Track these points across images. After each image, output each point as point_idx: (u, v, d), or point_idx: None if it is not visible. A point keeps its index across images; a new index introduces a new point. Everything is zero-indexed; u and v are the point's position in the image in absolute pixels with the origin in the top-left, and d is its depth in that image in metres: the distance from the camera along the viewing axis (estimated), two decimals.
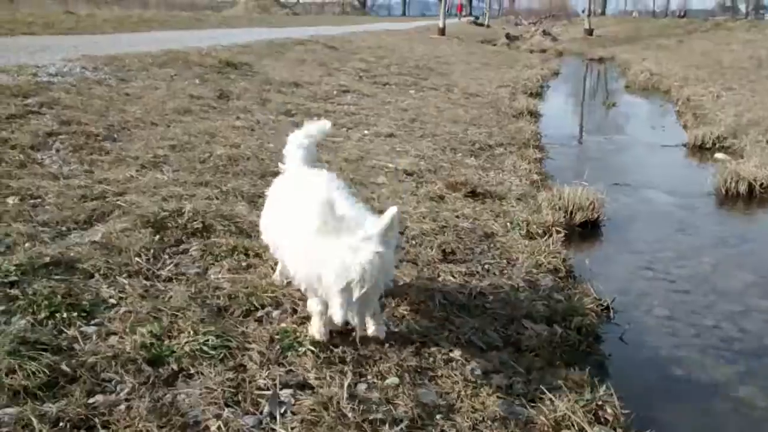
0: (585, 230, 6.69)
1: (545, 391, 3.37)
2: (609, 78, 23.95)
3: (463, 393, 3.28)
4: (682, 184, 8.80)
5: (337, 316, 2.98)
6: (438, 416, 3.07)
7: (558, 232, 5.95)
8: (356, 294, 2.91)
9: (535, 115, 13.28)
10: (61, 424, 2.59)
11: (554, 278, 5.02)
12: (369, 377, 3.29)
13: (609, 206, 6.92)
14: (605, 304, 4.79)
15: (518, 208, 6.55)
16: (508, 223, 6.05)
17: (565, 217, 6.48)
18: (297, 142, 4.01)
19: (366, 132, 9.21)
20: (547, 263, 5.20)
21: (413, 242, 5.22)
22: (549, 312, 4.41)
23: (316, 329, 3.45)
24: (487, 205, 6.62)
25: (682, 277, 5.61)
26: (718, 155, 10.09)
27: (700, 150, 10.79)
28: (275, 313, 3.72)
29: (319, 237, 3.02)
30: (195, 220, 4.75)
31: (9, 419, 2.54)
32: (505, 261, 5.20)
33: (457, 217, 6.05)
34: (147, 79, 10.05)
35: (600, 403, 3.35)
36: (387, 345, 3.65)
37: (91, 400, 2.78)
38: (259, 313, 3.70)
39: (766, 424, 3.75)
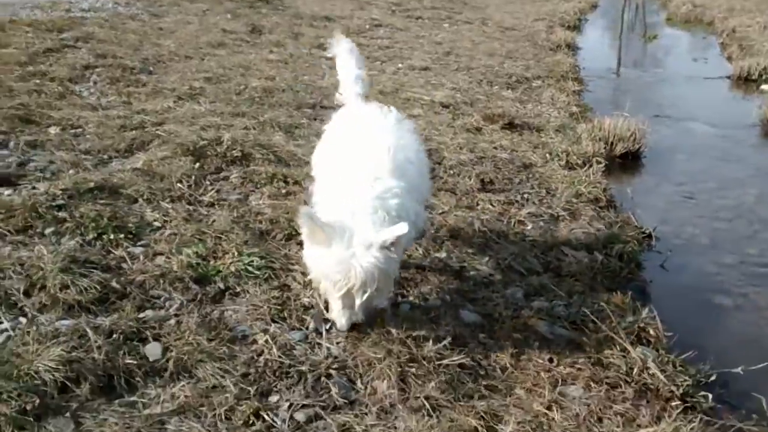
0: (626, 162, 6.56)
1: (587, 313, 3.37)
2: (649, 11, 23.09)
3: (504, 314, 3.30)
4: (726, 115, 8.54)
5: (339, 323, 2.86)
6: (480, 335, 3.10)
7: (598, 162, 5.85)
8: (358, 300, 2.74)
9: (572, 48, 12.94)
10: (114, 335, 2.67)
11: (594, 208, 4.96)
12: (411, 298, 3.32)
13: (650, 137, 6.75)
14: (647, 232, 4.72)
15: (557, 139, 6.44)
16: (547, 154, 5.96)
17: (605, 148, 6.36)
18: (352, 74, 3.81)
19: (400, 65, 9.07)
20: (587, 193, 5.14)
21: (451, 172, 5.19)
22: (589, 240, 4.38)
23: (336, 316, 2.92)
24: (524, 136, 6.52)
25: (725, 207, 5.50)
26: (765, 86, 9.76)
27: (746, 82, 10.44)
28: None
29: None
30: (234, 149, 4.76)
31: (66, 329, 2.61)
32: (544, 191, 5.14)
33: (495, 148, 5.98)
34: (179, 14, 9.99)
35: (642, 325, 3.34)
36: (427, 269, 3.67)
37: (141, 315, 2.86)
38: (300, 237, 3.72)
39: None
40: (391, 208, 2.81)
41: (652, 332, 3.31)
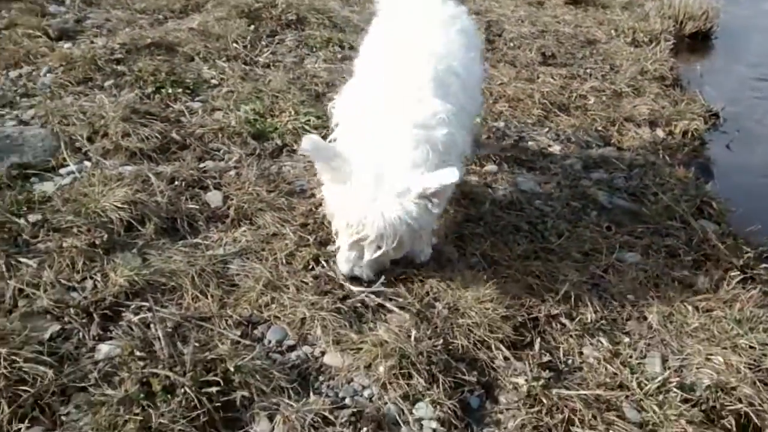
0: (695, 41, 6.21)
1: (648, 185, 3.29)
2: None
3: (562, 183, 3.24)
4: None
5: (341, 266, 2.29)
6: (537, 201, 3.06)
7: (666, 40, 5.55)
8: (367, 255, 2.17)
9: None
10: (176, 182, 2.71)
11: (660, 85, 4.74)
12: (469, 166, 3.26)
13: (723, 17, 6.35)
14: (713, 111, 4.52)
15: (623, 16, 6.11)
16: (613, 31, 5.68)
17: (674, 26, 6.03)
18: None
19: None
20: (653, 71, 4.91)
21: (511, 44, 5.00)
22: (653, 116, 4.22)
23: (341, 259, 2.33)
24: (589, 12, 6.21)
25: None
26: None
27: None
28: None
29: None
30: (289, 12, 4.64)
31: (129, 174, 2.66)
32: (608, 66, 4.92)
33: (558, 22, 5.72)
34: None
35: (704, 199, 3.25)
36: (484, 137, 3.60)
37: (201, 165, 2.89)
38: None
39: None
40: (437, 141, 2.16)
41: (714, 206, 3.22)
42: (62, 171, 2.68)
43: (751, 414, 2.05)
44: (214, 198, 2.67)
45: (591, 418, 1.95)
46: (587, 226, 2.95)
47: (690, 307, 2.49)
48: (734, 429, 2.03)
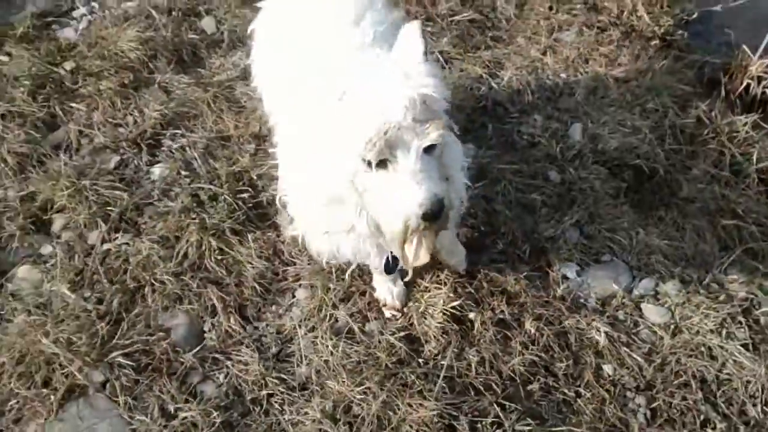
0: None
1: None
2: None
3: None
4: None
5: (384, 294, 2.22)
6: None
7: None
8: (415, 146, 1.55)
9: None
10: (173, 13, 3.13)
11: None
12: None
13: None
14: None
15: None
16: None
17: None
18: None
19: None
20: None
21: None
22: None
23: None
24: None
25: None
26: None
27: None
28: None
29: None
30: None
31: (132, 11, 3.08)
32: None
33: None
34: None
35: None
36: None
37: None
38: None
39: None
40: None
41: None
42: (75, 14, 3.09)
43: (644, 167, 2.73)
44: (208, 24, 3.11)
45: (523, 184, 2.64)
46: (532, 8, 3.40)
47: (612, 80, 3.07)
48: (632, 180, 2.74)
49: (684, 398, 2.16)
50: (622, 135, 2.84)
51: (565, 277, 2.42)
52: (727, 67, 3.23)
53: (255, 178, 2.49)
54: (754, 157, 2.80)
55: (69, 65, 2.82)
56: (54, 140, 2.62)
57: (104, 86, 2.74)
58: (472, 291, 2.28)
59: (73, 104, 2.72)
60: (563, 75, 3.10)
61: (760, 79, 3.12)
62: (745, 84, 3.14)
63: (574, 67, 3.13)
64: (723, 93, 3.13)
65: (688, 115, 2.94)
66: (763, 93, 3.10)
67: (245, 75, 2.91)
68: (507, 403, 2.08)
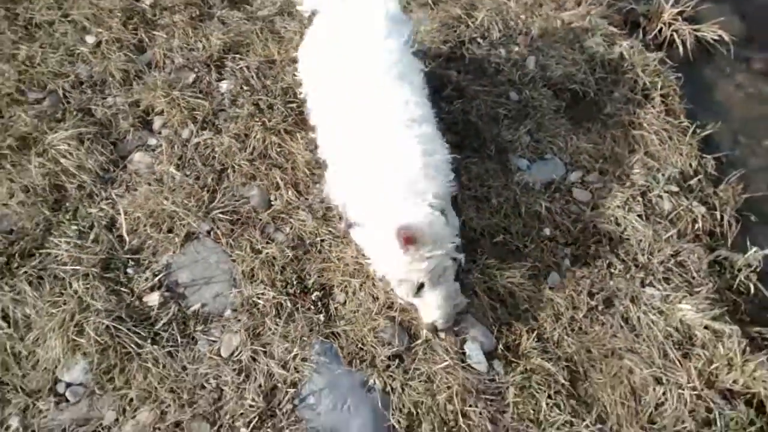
0: None
1: None
2: None
3: None
4: None
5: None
6: None
7: None
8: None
9: None
10: None
11: None
12: None
13: None
14: None
15: None
16: None
17: None
18: None
19: None
20: None
21: None
22: None
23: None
24: None
25: None
26: None
27: None
28: None
29: None
30: None
31: None
32: None
33: None
34: None
35: None
36: None
37: None
38: None
39: None
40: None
41: None
42: None
43: (579, 90, 3.74)
44: None
45: (491, 101, 3.61)
46: None
47: (559, 22, 4.03)
48: (569, 100, 3.74)
49: (597, 250, 3.19)
50: (564, 66, 3.82)
51: (519, 169, 3.42)
52: (647, 13, 4.23)
53: (299, 93, 3.39)
54: (659, 85, 3.83)
55: (149, 0, 3.64)
56: (144, 60, 3.47)
57: (177, 18, 3.57)
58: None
59: (155, 32, 3.55)
60: (522, 16, 4.04)
61: (670, 24, 4.14)
62: (658, 27, 4.15)
63: (531, 11, 4.07)
64: (641, 34, 4.14)
65: (614, 51, 3.93)
66: (671, 35, 4.13)
67: (282, 10, 3.77)
68: (479, 249, 3.11)
